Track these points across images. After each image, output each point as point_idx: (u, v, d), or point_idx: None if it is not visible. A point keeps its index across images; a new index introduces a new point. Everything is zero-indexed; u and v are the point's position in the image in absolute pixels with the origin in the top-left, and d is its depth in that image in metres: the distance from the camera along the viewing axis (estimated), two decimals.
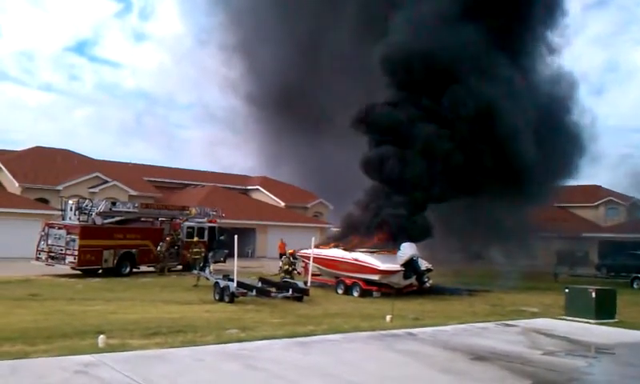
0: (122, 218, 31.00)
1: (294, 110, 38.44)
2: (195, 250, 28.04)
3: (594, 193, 63.28)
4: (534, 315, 20.18)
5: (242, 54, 40.65)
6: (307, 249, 26.72)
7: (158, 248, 30.19)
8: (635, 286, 34.32)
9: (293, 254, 26.61)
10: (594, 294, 18.75)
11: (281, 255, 40.41)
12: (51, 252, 28.58)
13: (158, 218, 32.79)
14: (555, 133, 33.72)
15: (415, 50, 28.57)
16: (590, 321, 18.09)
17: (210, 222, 34.51)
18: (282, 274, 24.81)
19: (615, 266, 39.25)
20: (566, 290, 19.88)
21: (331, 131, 36.63)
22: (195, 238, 30.78)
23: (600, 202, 64.47)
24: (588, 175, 43.81)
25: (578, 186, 50.35)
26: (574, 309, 18.96)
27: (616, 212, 64.42)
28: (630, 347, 14.84)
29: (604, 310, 18.70)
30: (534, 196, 34.02)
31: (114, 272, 28.67)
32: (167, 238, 30.65)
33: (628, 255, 40.38)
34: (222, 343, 12.48)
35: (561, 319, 18.71)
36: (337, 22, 34.78)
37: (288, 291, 22.07)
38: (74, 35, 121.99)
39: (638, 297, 27.04)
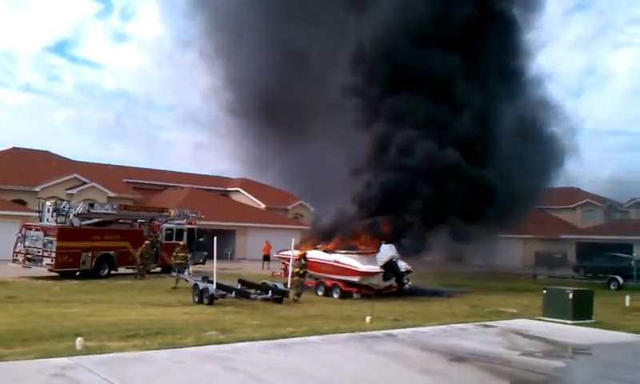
0: (101, 219, 30.77)
1: (275, 115, 38.34)
2: (181, 254, 27.39)
3: (571, 195, 63.96)
4: (512, 316, 20.29)
5: (221, 60, 40.52)
6: (287, 250, 26.72)
7: (138, 253, 29.70)
8: (612, 287, 34.64)
9: (303, 256, 25.08)
10: (571, 295, 18.90)
11: (264, 257, 40.35)
12: (28, 254, 28.28)
13: (136, 220, 32.56)
14: (536, 144, 34.07)
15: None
16: (568, 322, 18.24)
17: (190, 223, 34.38)
18: (297, 279, 23.64)
19: (593, 268, 39.59)
20: (544, 291, 20.04)
21: (312, 133, 36.60)
22: (182, 243, 30.18)
23: (577, 204, 65.23)
24: (566, 178, 44.09)
25: (557, 188, 50.78)
26: (551, 310, 19.10)
27: (593, 214, 65.18)
28: (606, 348, 14.99)
29: (581, 310, 18.86)
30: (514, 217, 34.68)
31: (92, 274, 28.43)
32: (146, 242, 30.25)
33: (605, 257, 40.79)
34: (200, 345, 12.42)
35: (539, 320, 18.84)
36: (317, 23, 34.87)
37: (267, 293, 22.04)
38: (53, 35, 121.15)
39: (615, 298, 27.29)
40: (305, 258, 24.78)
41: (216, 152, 78.35)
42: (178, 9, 63.99)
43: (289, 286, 23.02)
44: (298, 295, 23.07)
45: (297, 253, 25.83)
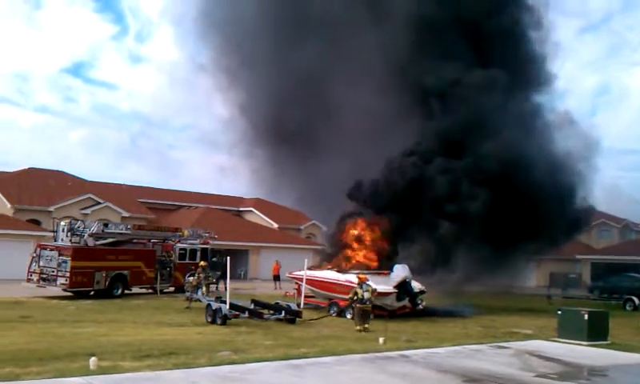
0: (115, 239, 30.90)
1: (289, 138, 38.37)
2: (209, 275, 26.82)
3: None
4: (527, 337, 20.16)
5: (234, 86, 40.64)
6: (300, 271, 26.67)
7: (187, 282, 26.89)
8: (628, 307, 34.36)
9: (364, 281, 21.67)
10: (586, 316, 18.75)
11: (275, 277, 40.32)
12: (43, 273, 28.38)
13: (150, 240, 32.69)
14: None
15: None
16: (583, 343, 18.10)
17: (203, 243, 34.45)
18: (360, 306, 21.03)
19: (608, 288, 39.34)
20: (559, 312, 19.90)
21: (327, 153, 36.60)
22: (204, 263, 29.09)
23: (592, 223, 64.69)
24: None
25: None
26: (566, 331, 18.95)
27: (609, 234, 64.74)
28: (622, 369, 14.85)
29: (596, 331, 18.71)
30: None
31: (105, 294, 28.51)
32: (200, 267, 27.38)
33: (620, 277, 40.48)
34: (214, 365, 12.43)
35: (553, 341, 18.70)
36: (329, 44, 35.02)
37: (281, 313, 22.01)
38: (70, 57, 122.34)
39: (631, 319, 27.05)
40: (362, 285, 21.33)
41: (231, 172, 78.60)
42: (192, 33, 64.35)
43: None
44: (363, 327, 20.40)
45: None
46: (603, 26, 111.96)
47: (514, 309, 30.53)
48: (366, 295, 20.91)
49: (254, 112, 39.17)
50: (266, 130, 38.83)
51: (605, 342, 18.54)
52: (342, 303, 25.55)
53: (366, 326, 20.51)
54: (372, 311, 22.22)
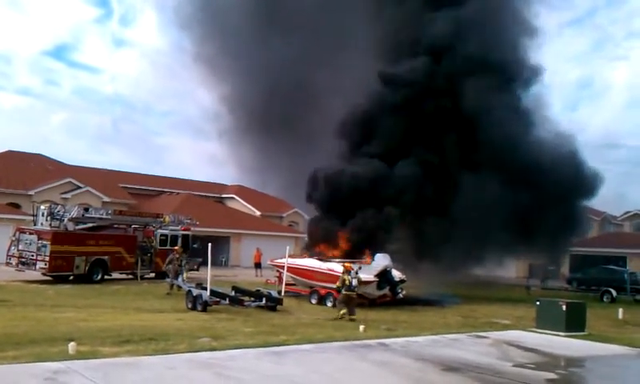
0: (95, 224, 30.72)
1: (273, 128, 38.27)
2: (187, 261, 26.75)
3: None
4: (505, 327, 20.33)
5: (216, 76, 40.42)
6: (281, 258, 26.70)
7: (165, 266, 27.20)
8: (605, 299, 34.75)
9: (350, 270, 21.60)
10: (564, 307, 18.94)
11: (256, 264, 40.30)
12: (22, 257, 28.18)
13: (131, 225, 32.52)
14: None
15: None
16: (561, 333, 18.28)
17: (184, 229, 34.32)
18: (343, 294, 21.02)
19: (586, 280, 39.72)
20: (537, 303, 20.09)
21: (310, 143, 36.57)
22: (179, 248, 28.82)
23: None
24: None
25: None
26: (544, 321, 19.13)
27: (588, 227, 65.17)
28: (599, 360, 15.03)
29: (574, 322, 18.90)
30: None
31: (85, 279, 28.34)
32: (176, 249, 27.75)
33: (598, 269, 40.89)
34: (194, 352, 12.40)
35: (532, 331, 18.87)
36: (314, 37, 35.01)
37: (261, 300, 22.02)
38: (52, 39, 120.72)
39: (608, 310, 27.38)
40: (349, 273, 21.31)
41: (214, 159, 78.40)
42: (175, 22, 63.70)
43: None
44: (350, 314, 20.34)
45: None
46: (587, 19, 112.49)
47: (494, 299, 30.78)
48: (355, 282, 21.08)
49: (237, 102, 39.06)
50: (250, 120, 38.73)
51: (582, 333, 18.74)
52: (322, 291, 25.65)
53: (353, 317, 20.25)
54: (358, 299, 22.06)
